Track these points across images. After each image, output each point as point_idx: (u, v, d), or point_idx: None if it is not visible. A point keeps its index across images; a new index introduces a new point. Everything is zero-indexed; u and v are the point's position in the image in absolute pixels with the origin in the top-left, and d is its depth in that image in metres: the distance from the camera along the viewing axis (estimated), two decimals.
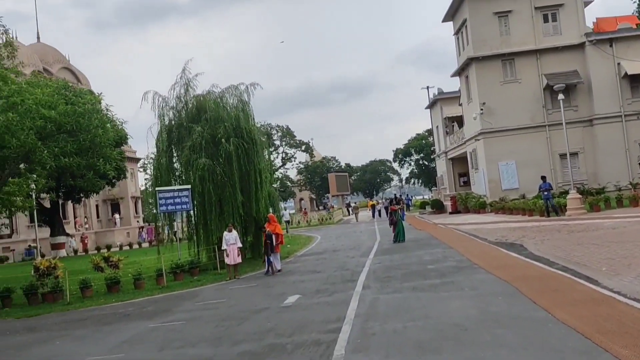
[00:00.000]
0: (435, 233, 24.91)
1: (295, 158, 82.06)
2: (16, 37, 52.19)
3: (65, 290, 16.24)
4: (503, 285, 10.60)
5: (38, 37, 56.05)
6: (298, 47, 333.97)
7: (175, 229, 20.48)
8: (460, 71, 38.12)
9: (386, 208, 44.70)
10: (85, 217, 54.87)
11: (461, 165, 44.66)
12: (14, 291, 16.38)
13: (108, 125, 16.35)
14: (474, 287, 10.77)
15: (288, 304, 11.51)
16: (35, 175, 18.87)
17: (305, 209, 75.24)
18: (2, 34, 16.08)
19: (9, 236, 50.02)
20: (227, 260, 16.90)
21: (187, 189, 18.99)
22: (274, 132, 76.47)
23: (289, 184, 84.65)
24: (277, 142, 77.82)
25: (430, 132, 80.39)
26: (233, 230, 17.34)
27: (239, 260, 17.13)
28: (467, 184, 44.61)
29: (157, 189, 19.13)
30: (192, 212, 20.02)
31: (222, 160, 19.60)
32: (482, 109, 34.77)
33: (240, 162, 19.51)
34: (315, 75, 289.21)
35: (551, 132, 33.89)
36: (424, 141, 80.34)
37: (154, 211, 19.61)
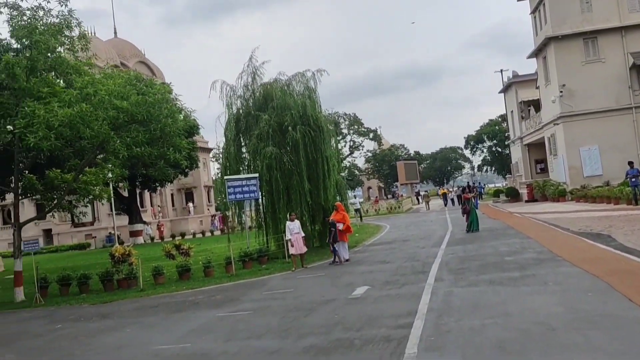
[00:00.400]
0: (511, 222, 23.66)
1: (363, 146, 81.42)
2: (94, 33, 54.39)
3: (139, 277, 16.54)
4: (592, 280, 9.64)
5: (115, 33, 58.20)
6: (366, 35, 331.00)
7: (244, 217, 20.47)
8: (538, 52, 36.08)
9: (459, 196, 43.39)
10: (159, 205, 56.77)
11: (538, 151, 42.53)
12: (90, 277, 16.87)
13: (180, 115, 16.36)
14: (558, 282, 9.88)
15: (356, 295, 11.05)
16: (110, 165, 19.32)
17: (376, 197, 73.72)
18: (76, 26, 16.42)
19: (92, 224, 52.61)
20: (292, 251, 16.59)
21: (254, 178, 18.87)
22: (341, 120, 76.09)
23: (357, 172, 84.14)
24: (345, 131, 77.40)
25: (504, 117, 77.39)
26: (296, 219, 16.94)
27: (304, 249, 16.82)
28: (544, 171, 42.53)
29: (225, 177, 19.13)
30: (260, 200, 19.94)
31: (289, 149, 19.35)
32: (561, 91, 32.79)
33: (307, 150, 19.18)
34: (383, 63, 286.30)
35: (638, 114, 31.52)
36: (497, 127, 77.51)
37: (225, 200, 19.63)
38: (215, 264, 17.63)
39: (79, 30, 16.90)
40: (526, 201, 37.54)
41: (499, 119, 78.78)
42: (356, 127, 77.81)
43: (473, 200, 21.62)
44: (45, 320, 12.86)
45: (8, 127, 14.97)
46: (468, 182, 52.72)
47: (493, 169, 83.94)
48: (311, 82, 20.35)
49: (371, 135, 79.17)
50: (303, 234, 17.06)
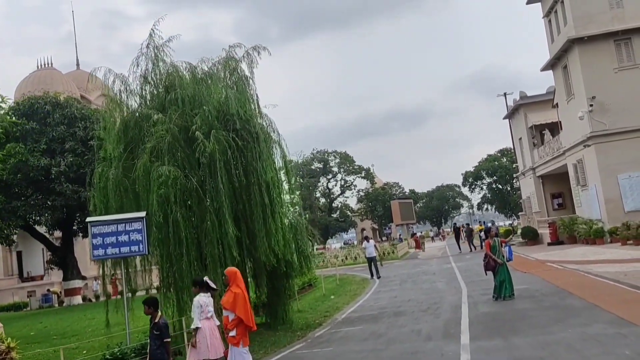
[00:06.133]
0: (557, 279, 15.14)
1: (355, 185, 73.21)
2: (51, 64, 47.29)
3: None
4: None
5: (77, 65, 51.22)
6: (352, 80, 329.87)
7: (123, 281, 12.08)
8: (556, 61, 28.44)
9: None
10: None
11: (554, 183, 34.58)
12: None
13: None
14: None
15: None
16: None
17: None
18: None
19: (41, 278, 44.16)
20: (196, 356, 8.18)
21: (139, 219, 10.65)
22: (331, 158, 68.37)
23: (349, 213, 75.33)
24: (335, 169, 69.54)
25: (504, 151, 69.76)
26: (202, 292, 8.64)
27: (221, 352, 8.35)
28: (562, 206, 34.51)
29: (88, 220, 10.91)
30: (149, 256, 11.66)
31: (201, 170, 11.27)
32: (591, 105, 25.02)
33: (230, 172, 11.09)
34: (371, 106, 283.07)
35: None
36: (496, 162, 69.73)
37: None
38: None
39: None
40: (549, 244, 29.17)
41: (499, 154, 71.30)
42: (347, 165, 69.88)
43: (503, 248, 13.24)
44: None
45: None
46: (484, 223, 43.83)
47: (493, 207, 75.67)
48: (243, 65, 12.41)
49: (363, 173, 71.05)
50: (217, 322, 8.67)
